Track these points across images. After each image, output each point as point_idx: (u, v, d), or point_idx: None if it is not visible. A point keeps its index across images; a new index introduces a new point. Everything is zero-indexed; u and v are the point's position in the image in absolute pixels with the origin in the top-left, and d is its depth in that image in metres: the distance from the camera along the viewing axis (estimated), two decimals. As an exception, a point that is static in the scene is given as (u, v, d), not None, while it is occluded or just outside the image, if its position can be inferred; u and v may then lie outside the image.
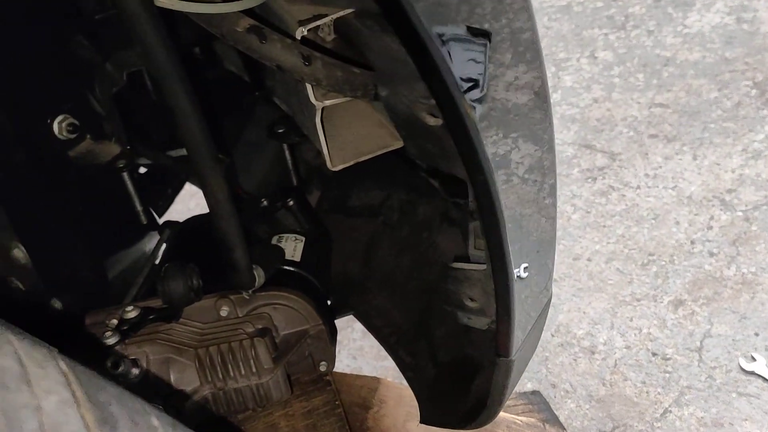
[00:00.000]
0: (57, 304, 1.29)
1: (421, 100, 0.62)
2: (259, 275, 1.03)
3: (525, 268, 0.88)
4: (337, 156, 1.08)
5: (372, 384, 1.40)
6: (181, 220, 1.46)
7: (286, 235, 1.24)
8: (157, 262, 1.34)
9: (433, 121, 0.64)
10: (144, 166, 1.46)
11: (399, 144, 1.11)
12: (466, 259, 0.91)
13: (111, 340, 1.00)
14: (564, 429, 1.43)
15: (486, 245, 0.78)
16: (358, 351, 1.89)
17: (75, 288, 1.28)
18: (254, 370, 1.02)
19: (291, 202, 1.27)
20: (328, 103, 1.00)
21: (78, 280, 1.29)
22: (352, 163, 1.10)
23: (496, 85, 0.74)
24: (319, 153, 1.46)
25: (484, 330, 1.00)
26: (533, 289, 0.89)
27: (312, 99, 0.99)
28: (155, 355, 1.02)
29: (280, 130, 1.21)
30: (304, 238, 1.25)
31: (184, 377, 1.02)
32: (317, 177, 1.54)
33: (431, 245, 1.32)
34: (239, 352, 1.02)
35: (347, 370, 1.89)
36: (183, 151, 1.41)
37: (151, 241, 1.41)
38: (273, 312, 1.08)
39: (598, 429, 1.60)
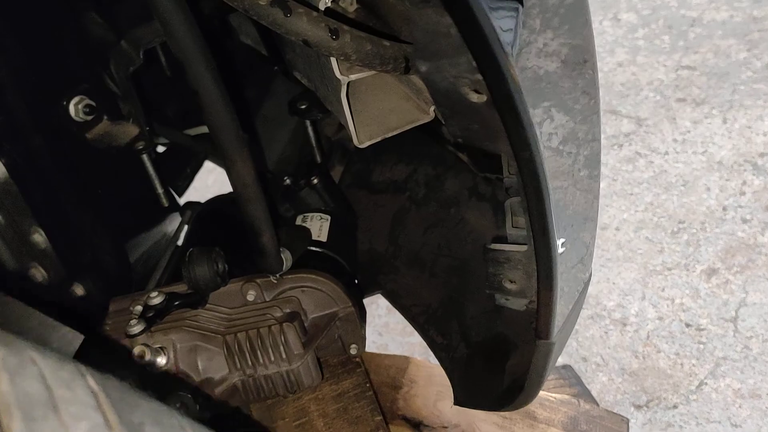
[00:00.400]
0: (79, 289, 1.27)
1: (465, 75, 0.58)
2: (287, 258, 0.99)
3: (562, 243, 0.84)
4: (363, 132, 1.03)
5: (401, 363, 1.37)
6: (200, 199, 1.43)
7: (311, 214, 1.21)
8: (179, 243, 1.31)
9: (476, 98, 0.60)
10: (162, 145, 1.43)
11: (427, 118, 1.07)
12: (504, 240, 0.86)
13: (136, 329, 0.97)
14: (597, 404, 1.40)
15: (529, 225, 0.73)
16: (383, 327, 1.86)
17: (96, 273, 1.26)
18: (284, 356, 0.99)
19: (315, 180, 1.23)
20: (353, 77, 0.95)
21: (99, 265, 1.26)
22: (379, 139, 1.05)
23: (528, 53, 0.70)
24: (341, 127, 1.42)
25: (521, 311, 0.96)
26: (570, 266, 0.85)
27: (336, 73, 0.94)
28: (182, 343, 0.99)
29: (303, 106, 1.16)
30: (329, 217, 1.21)
31: (213, 365, 1.00)
32: (339, 151, 1.50)
33: (460, 221, 1.28)
34: (268, 338, 0.98)
35: (373, 347, 1.87)
36: (201, 129, 1.38)
37: (172, 223, 1.38)
38: (301, 295, 1.04)
39: (631, 402, 1.56)
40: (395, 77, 1.05)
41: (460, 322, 1.22)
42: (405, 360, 1.38)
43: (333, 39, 0.78)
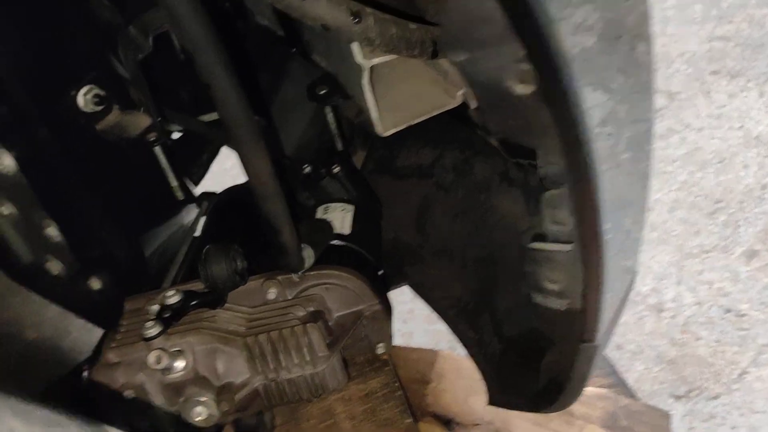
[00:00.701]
0: (96, 283, 1.23)
1: (511, 65, 0.51)
2: (309, 255, 0.94)
3: (608, 239, 0.77)
4: (387, 120, 0.97)
5: (429, 357, 1.31)
6: (218, 185, 1.37)
7: (332, 204, 1.15)
8: (196, 234, 1.26)
9: (521, 89, 0.53)
10: (177, 132, 1.38)
11: (455, 103, 1.00)
12: (543, 238, 0.80)
13: (152, 331, 0.92)
14: (635, 397, 1.34)
15: (577, 224, 0.67)
16: (408, 314, 1.81)
17: (112, 266, 1.22)
18: (308, 358, 0.93)
19: (337, 169, 1.17)
20: (376, 61, 0.88)
21: (111, 258, 1.22)
22: (403, 127, 0.99)
23: (566, 30, 0.63)
24: (362, 110, 1.35)
25: (561, 310, 0.89)
26: (616, 260, 0.79)
27: (358, 58, 0.88)
28: (200, 346, 0.94)
29: (322, 92, 1.10)
30: (352, 207, 1.15)
31: (233, 368, 0.94)
32: (361, 135, 1.43)
33: (490, 208, 1.22)
34: (291, 339, 0.93)
35: (398, 335, 1.80)
36: (216, 116, 1.32)
37: (188, 214, 1.32)
38: (325, 293, 0.99)
39: (670, 393, 1.50)
40: (421, 60, 0.99)
41: (493, 315, 1.16)
42: (432, 353, 1.32)
43: (355, 22, 0.71)
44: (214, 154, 1.51)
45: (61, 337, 1.97)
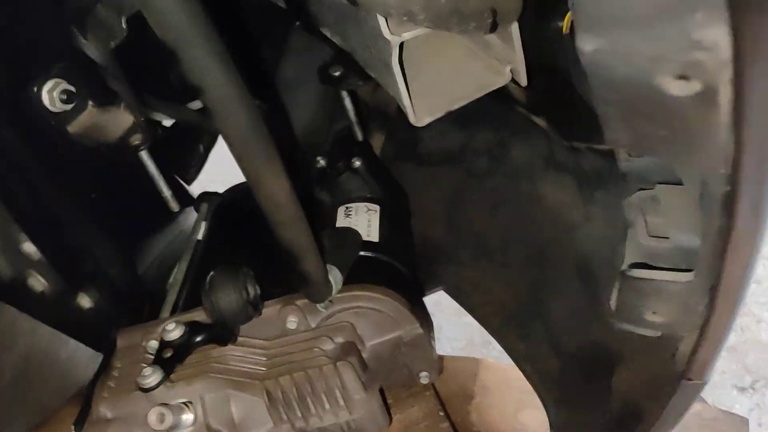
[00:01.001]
0: (85, 300, 1.08)
1: (672, 56, 0.34)
2: (336, 279, 0.77)
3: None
4: (422, 106, 0.79)
5: (470, 367, 1.16)
6: (220, 178, 1.20)
7: (354, 205, 0.98)
8: (198, 238, 1.10)
9: (678, 89, 0.36)
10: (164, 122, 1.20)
11: (502, 81, 0.82)
12: (643, 264, 0.62)
13: (152, 380, 0.75)
14: (705, 401, 1.19)
15: (713, 248, 0.49)
16: (435, 306, 1.63)
17: (100, 283, 1.06)
18: (342, 403, 0.77)
19: (357, 163, 0.99)
20: (406, 36, 0.70)
21: (103, 274, 1.06)
22: (442, 114, 0.81)
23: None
24: (378, 86, 1.14)
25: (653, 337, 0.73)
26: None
27: (385, 32, 0.70)
28: (211, 393, 0.78)
29: (337, 73, 0.92)
30: (378, 207, 0.98)
31: (252, 417, 0.78)
32: (378, 117, 1.25)
33: (534, 198, 1.04)
34: (320, 381, 0.77)
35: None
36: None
37: (187, 218, 1.15)
38: (355, 318, 0.82)
39: (733, 384, 1.35)
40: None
41: (546, 324, 0.99)
42: (474, 363, 1.16)
43: (394, -8, 0.54)
44: (211, 143, 1.34)
45: (57, 348, 1.81)
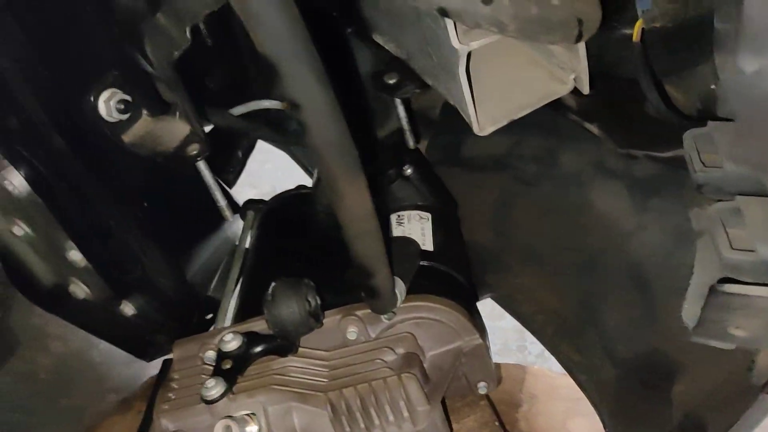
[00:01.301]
0: (128, 308, 1.07)
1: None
2: (400, 291, 0.76)
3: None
4: (486, 115, 0.79)
5: (516, 374, 1.15)
6: (255, 186, 1.20)
7: (406, 213, 0.97)
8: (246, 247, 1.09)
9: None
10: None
11: (565, 89, 0.82)
12: (727, 278, 0.61)
13: (215, 392, 0.75)
14: None
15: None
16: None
17: (148, 290, 1.06)
18: (405, 414, 0.76)
19: (409, 171, 0.98)
20: (475, 44, 0.70)
21: (150, 282, 1.05)
22: (505, 123, 0.81)
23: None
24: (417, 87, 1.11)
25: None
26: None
27: (453, 41, 0.69)
28: (274, 405, 0.77)
29: (392, 81, 0.91)
30: (429, 215, 0.97)
31: (315, 428, 0.78)
32: (421, 121, 1.24)
33: (585, 205, 1.03)
34: (384, 393, 0.76)
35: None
36: (251, 106, 1.14)
37: (231, 225, 1.14)
38: (415, 329, 0.82)
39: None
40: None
41: (600, 333, 0.98)
42: (521, 370, 1.15)
43: (483, 3, 0.53)
44: (249, 149, 1.33)
45: (90, 352, 1.81)
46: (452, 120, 1.22)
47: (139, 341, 1.15)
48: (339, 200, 0.56)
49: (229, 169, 1.30)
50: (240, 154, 1.31)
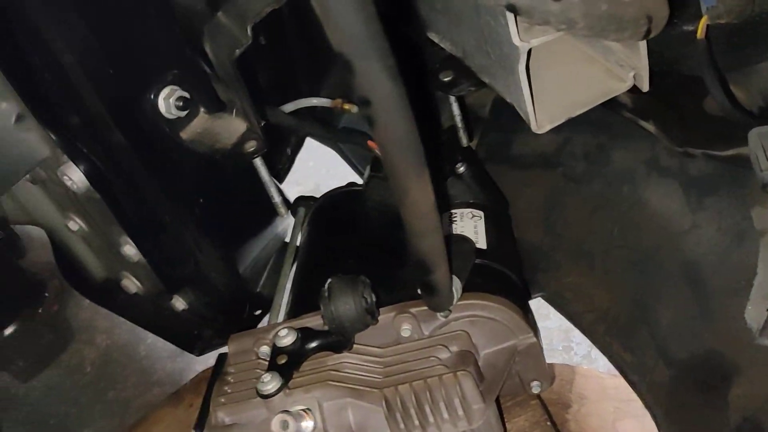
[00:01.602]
0: (179, 303, 1.09)
1: None
2: (457, 288, 0.76)
3: None
4: (544, 113, 0.78)
5: (565, 374, 1.14)
6: (299, 182, 1.21)
7: (459, 211, 0.97)
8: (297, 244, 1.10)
9: None
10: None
11: (624, 87, 0.81)
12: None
13: (271, 387, 0.76)
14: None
15: None
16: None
17: (200, 286, 1.07)
18: (460, 412, 0.76)
19: (462, 168, 0.98)
20: (535, 42, 0.70)
21: (203, 278, 1.07)
22: (562, 121, 0.80)
23: None
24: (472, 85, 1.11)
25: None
26: None
27: (515, 39, 0.69)
28: (329, 401, 0.77)
29: (447, 78, 0.91)
30: (482, 213, 0.97)
31: (370, 425, 0.78)
32: (471, 119, 1.24)
33: (636, 203, 1.02)
34: (439, 390, 0.76)
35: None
36: (301, 104, 1.15)
37: (282, 222, 1.15)
38: (470, 327, 0.82)
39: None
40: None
41: (653, 332, 0.97)
42: (570, 370, 1.14)
43: (554, 0, 0.52)
44: (298, 147, 1.34)
45: (135, 345, 1.84)
46: (502, 118, 1.22)
47: (188, 335, 1.16)
48: (404, 196, 0.56)
49: (279, 166, 1.31)
50: (289, 151, 1.32)
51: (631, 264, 1.01)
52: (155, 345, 1.74)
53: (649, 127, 0.97)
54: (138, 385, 1.71)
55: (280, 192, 1.00)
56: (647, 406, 0.94)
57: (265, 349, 0.84)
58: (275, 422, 0.74)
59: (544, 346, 0.88)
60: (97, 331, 1.84)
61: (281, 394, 0.76)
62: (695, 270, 0.94)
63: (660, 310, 0.97)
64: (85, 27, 0.77)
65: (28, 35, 0.77)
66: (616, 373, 0.99)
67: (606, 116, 1.03)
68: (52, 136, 0.87)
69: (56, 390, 1.72)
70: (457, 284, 0.76)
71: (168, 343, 1.26)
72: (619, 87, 0.79)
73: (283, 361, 0.79)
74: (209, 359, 1.22)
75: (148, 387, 1.67)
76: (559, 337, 1.57)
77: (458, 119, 1.00)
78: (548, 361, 1.07)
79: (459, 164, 0.98)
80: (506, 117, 1.16)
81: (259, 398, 0.77)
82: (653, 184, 1.01)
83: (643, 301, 0.99)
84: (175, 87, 0.85)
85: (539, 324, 1.42)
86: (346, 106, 1.13)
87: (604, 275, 1.04)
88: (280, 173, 1.33)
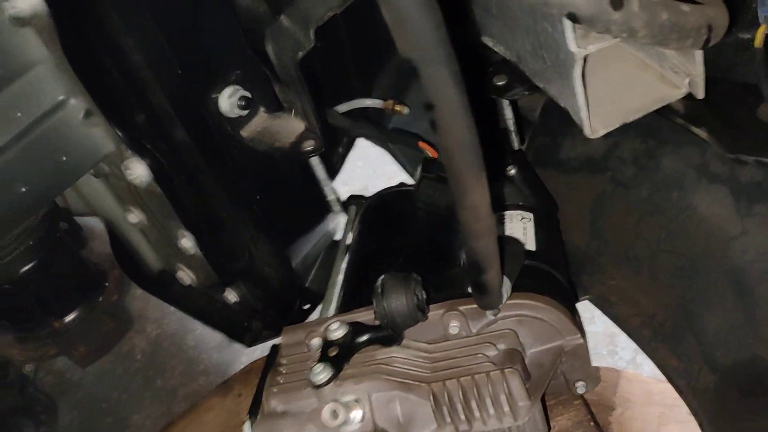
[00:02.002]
0: (231, 295, 1.13)
1: None
2: (507, 289, 0.78)
3: None
4: (598, 118, 0.80)
5: (610, 377, 1.14)
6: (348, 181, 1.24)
7: (509, 212, 0.98)
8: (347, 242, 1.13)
9: None
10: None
11: (679, 94, 0.82)
12: None
13: (322, 377, 0.79)
14: None
15: None
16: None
17: (253, 279, 1.11)
18: (506, 409, 0.78)
19: (512, 171, 1.00)
20: (592, 48, 0.71)
21: (257, 272, 1.10)
22: (616, 126, 0.82)
23: None
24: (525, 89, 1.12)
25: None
26: None
27: (571, 45, 0.70)
28: (378, 393, 0.80)
29: (501, 83, 0.93)
30: (531, 215, 0.99)
31: (417, 419, 0.80)
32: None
33: (686, 209, 1.02)
34: (486, 386, 0.78)
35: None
36: (354, 104, 1.17)
37: (333, 219, 1.19)
38: (517, 326, 0.83)
39: None
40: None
41: (699, 338, 0.97)
42: (614, 373, 1.15)
43: (613, 9, 0.54)
44: (349, 146, 1.37)
45: (184, 335, 1.89)
46: (551, 122, 1.23)
47: (238, 327, 1.20)
48: (462, 198, 0.59)
49: (331, 165, 1.34)
50: (341, 150, 1.35)
51: (678, 270, 1.01)
52: (203, 336, 1.79)
53: (701, 133, 0.97)
54: (185, 374, 1.76)
55: (333, 190, 1.02)
56: (693, 412, 0.94)
57: (316, 342, 0.87)
58: (325, 411, 0.77)
59: (590, 351, 0.90)
60: (148, 321, 1.89)
61: (332, 384, 0.79)
62: (742, 277, 0.94)
63: (706, 316, 0.97)
64: (155, 28, 0.81)
65: (100, 35, 0.81)
66: (662, 378, 1.00)
67: (655, 121, 1.04)
68: (118, 132, 0.91)
69: (108, 376, 1.78)
70: (507, 284, 0.78)
71: (215, 335, 1.30)
72: (673, 94, 0.80)
73: (334, 354, 0.82)
74: (254, 352, 1.26)
75: (194, 376, 1.72)
76: (604, 341, 1.56)
77: (510, 123, 1.02)
78: (593, 364, 1.08)
79: (510, 167, 1.00)
80: (556, 121, 1.17)
81: (310, 388, 0.79)
82: (703, 190, 1.01)
83: (690, 307, 0.99)
84: (238, 87, 0.89)
85: (587, 328, 1.43)
86: (398, 108, 1.15)
87: (650, 280, 1.04)
88: (332, 172, 1.37)
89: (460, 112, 0.50)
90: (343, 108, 1.15)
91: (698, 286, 0.99)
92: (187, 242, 1.05)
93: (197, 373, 1.78)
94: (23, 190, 0.87)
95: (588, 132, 0.78)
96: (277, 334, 0.93)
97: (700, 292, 0.98)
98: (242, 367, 1.33)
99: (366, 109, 1.19)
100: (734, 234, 0.96)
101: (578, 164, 1.17)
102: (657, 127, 1.04)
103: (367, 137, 1.28)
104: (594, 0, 0.53)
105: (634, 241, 1.07)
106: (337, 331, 0.84)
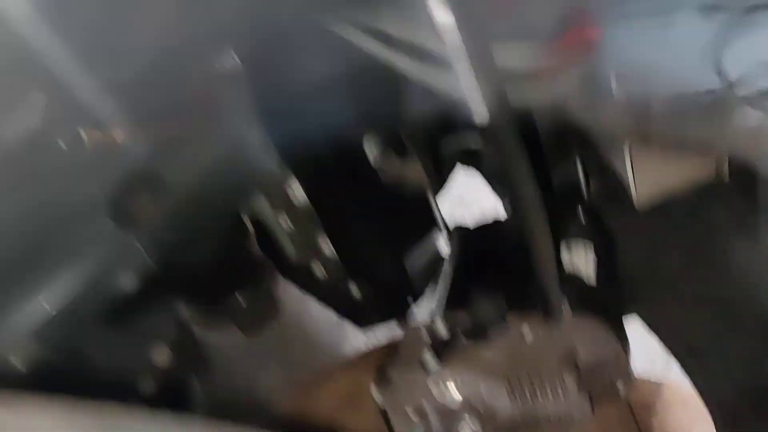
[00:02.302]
0: (355, 291, 1.43)
1: None
2: (566, 308, 1.07)
3: None
4: (644, 192, 1.06)
5: (655, 389, 1.39)
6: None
7: (574, 240, 1.25)
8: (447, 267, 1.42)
9: None
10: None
11: (710, 177, 1.07)
12: None
13: (431, 363, 1.10)
14: None
15: None
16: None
17: (374, 279, 1.41)
18: (563, 400, 1.08)
19: (581, 216, 1.27)
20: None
21: (378, 274, 1.41)
22: (660, 201, 1.07)
23: None
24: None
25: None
26: None
27: (620, 129, 0.97)
28: (470, 377, 1.10)
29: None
30: (592, 244, 1.25)
31: (496, 398, 1.10)
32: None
33: (723, 254, 1.25)
34: (548, 379, 1.08)
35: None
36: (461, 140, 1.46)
37: (436, 240, 1.48)
38: (574, 339, 1.11)
39: None
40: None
41: (723, 359, 1.21)
42: (658, 382, 1.39)
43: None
44: (450, 170, 1.65)
45: (302, 314, 2.21)
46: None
47: (359, 315, 1.51)
48: (532, 244, 0.89)
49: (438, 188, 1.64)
50: (444, 173, 1.64)
51: (715, 304, 1.25)
52: (318, 318, 2.08)
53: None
54: (304, 351, 2.07)
55: (440, 212, 1.33)
56: (714, 421, 1.19)
57: (427, 336, 1.17)
58: (433, 387, 1.08)
59: (645, 362, 1.14)
60: (285, 304, 2.17)
61: (438, 369, 1.10)
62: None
63: (733, 348, 1.20)
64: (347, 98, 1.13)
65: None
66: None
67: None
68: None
69: (239, 348, 2.06)
70: (565, 302, 1.06)
71: (331, 317, 1.59)
72: (707, 176, 1.05)
73: (440, 345, 1.13)
74: (370, 337, 1.56)
75: (312, 353, 2.03)
76: (643, 350, 1.78)
77: (581, 175, 1.28)
78: (647, 375, 1.33)
79: (579, 212, 1.27)
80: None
81: (422, 370, 1.11)
82: (739, 239, 1.22)
83: (721, 342, 1.22)
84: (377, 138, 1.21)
85: (644, 342, 1.66)
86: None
87: (689, 310, 1.27)
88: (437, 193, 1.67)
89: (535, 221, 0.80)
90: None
91: (731, 320, 1.22)
92: (326, 247, 1.36)
93: (314, 349, 2.10)
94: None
95: (636, 204, 1.03)
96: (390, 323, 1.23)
97: (732, 325, 1.22)
98: (359, 348, 1.61)
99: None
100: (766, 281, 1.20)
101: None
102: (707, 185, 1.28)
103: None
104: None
105: (681, 276, 1.31)
106: (443, 330, 1.14)
